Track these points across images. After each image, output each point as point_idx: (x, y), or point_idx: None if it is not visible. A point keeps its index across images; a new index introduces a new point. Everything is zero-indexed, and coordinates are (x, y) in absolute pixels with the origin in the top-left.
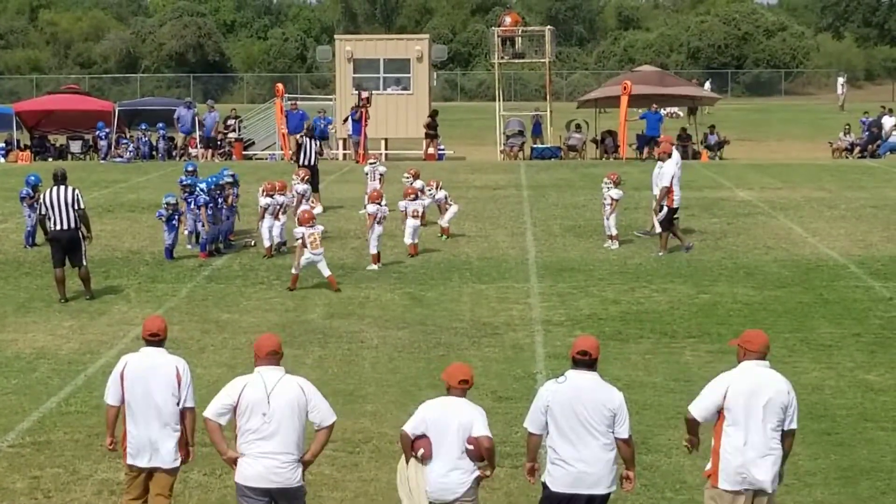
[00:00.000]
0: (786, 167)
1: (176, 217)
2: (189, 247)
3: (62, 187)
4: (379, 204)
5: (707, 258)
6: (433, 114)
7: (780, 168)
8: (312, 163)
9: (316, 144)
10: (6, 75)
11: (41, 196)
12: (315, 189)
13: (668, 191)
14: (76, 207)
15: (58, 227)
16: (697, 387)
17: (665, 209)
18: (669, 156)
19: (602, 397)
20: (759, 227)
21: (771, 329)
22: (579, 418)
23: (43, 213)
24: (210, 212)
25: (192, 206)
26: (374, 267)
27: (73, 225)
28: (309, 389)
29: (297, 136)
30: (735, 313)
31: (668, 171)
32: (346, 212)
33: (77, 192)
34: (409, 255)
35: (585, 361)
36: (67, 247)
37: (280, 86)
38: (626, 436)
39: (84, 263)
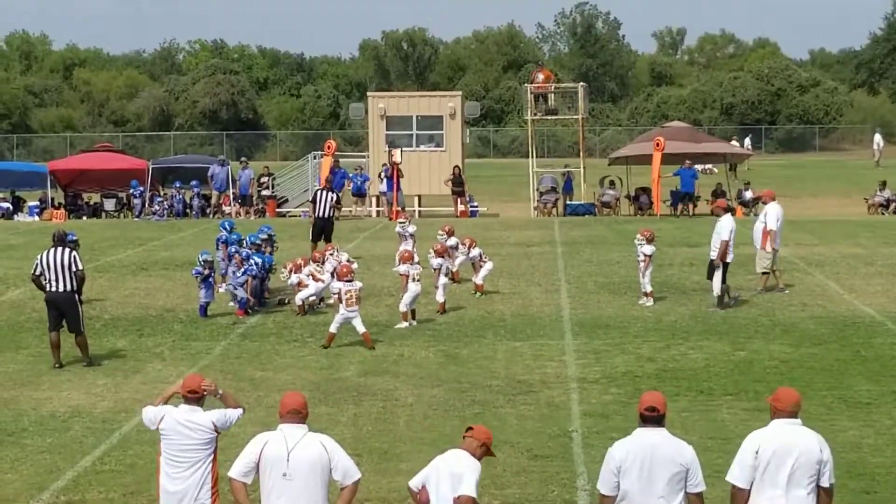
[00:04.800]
0: (821, 223)
1: (212, 275)
2: (231, 304)
3: (59, 249)
4: (410, 264)
5: (743, 315)
6: (456, 170)
7: (816, 224)
8: (328, 215)
9: (332, 197)
10: (40, 133)
11: (38, 259)
12: (328, 239)
13: (727, 245)
14: (73, 269)
15: (53, 290)
16: (734, 445)
17: (719, 265)
18: (725, 211)
19: (674, 453)
20: (796, 283)
21: (808, 387)
22: (652, 477)
23: (38, 273)
24: (254, 270)
25: (234, 264)
26: (404, 325)
27: (69, 287)
28: (331, 447)
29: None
30: (772, 370)
31: (725, 225)
32: (379, 269)
33: (74, 253)
34: (437, 313)
35: (654, 417)
36: (64, 310)
37: (332, 143)
38: (698, 490)
39: (82, 330)
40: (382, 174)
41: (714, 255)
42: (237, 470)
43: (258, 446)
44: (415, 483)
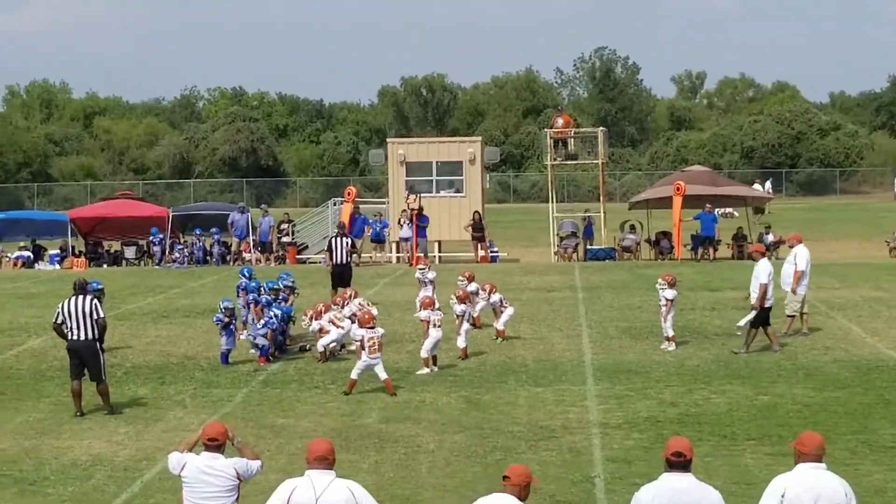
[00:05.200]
0: (843, 266)
1: (233, 322)
2: (252, 351)
3: (81, 297)
4: (431, 310)
5: (765, 359)
6: (476, 215)
7: (838, 268)
8: (345, 261)
9: (347, 242)
10: (61, 182)
11: (59, 307)
12: (346, 285)
13: (765, 288)
14: (95, 317)
15: (75, 338)
16: (758, 490)
17: (756, 308)
18: (762, 255)
19: (700, 498)
20: (818, 327)
21: (832, 431)
22: None
23: (60, 321)
24: (274, 323)
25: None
26: (425, 371)
27: (90, 336)
28: (359, 492)
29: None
30: (795, 415)
31: (763, 269)
32: (400, 315)
33: (96, 301)
34: (458, 359)
35: (681, 463)
36: (85, 358)
37: (352, 189)
38: None
39: (103, 379)
40: (402, 220)
41: (754, 299)
42: None
43: (286, 492)
44: None
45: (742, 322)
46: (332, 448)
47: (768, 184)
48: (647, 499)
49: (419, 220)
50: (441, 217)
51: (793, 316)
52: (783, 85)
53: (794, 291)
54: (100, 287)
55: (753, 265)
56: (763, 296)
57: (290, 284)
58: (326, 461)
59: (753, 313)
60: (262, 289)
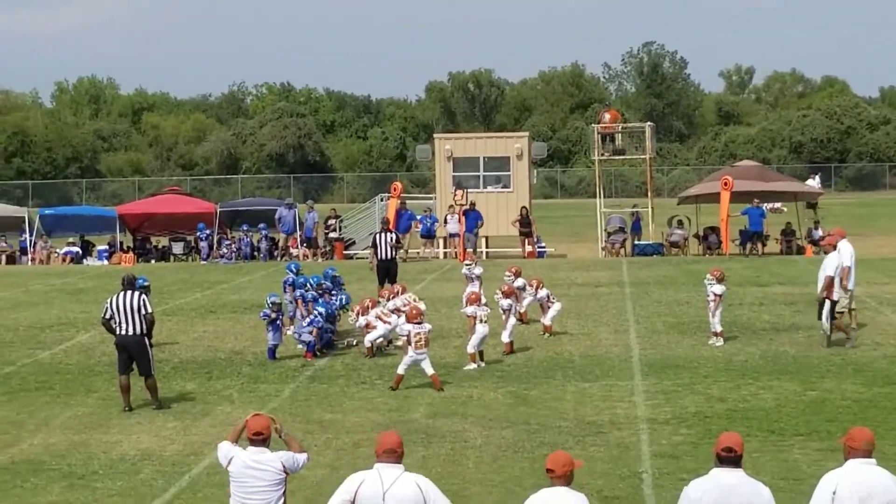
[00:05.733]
0: (892, 262)
1: (280, 318)
2: (300, 346)
3: (129, 292)
4: (478, 305)
5: (814, 354)
6: (523, 211)
7: (888, 263)
8: (390, 256)
9: (391, 238)
10: (109, 178)
11: (108, 302)
12: (392, 281)
13: (831, 281)
14: (143, 312)
15: (123, 333)
16: (807, 485)
17: (827, 301)
18: (834, 248)
19: (750, 494)
20: (867, 322)
21: (882, 426)
22: None
23: (108, 317)
24: (319, 322)
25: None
26: (472, 366)
27: (139, 331)
28: (426, 487)
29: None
30: (844, 410)
31: (831, 261)
32: (447, 311)
33: (144, 297)
34: (504, 354)
35: (731, 458)
36: (134, 353)
37: (398, 184)
38: None
39: (152, 373)
40: (448, 216)
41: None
42: None
43: (354, 485)
44: None
45: (824, 321)
46: (401, 442)
47: (817, 178)
48: (696, 494)
49: (471, 216)
50: (488, 212)
51: (842, 313)
52: (832, 79)
53: (844, 289)
54: (146, 284)
55: (822, 259)
56: (829, 286)
57: (335, 277)
58: (395, 454)
59: (828, 304)
60: (308, 284)
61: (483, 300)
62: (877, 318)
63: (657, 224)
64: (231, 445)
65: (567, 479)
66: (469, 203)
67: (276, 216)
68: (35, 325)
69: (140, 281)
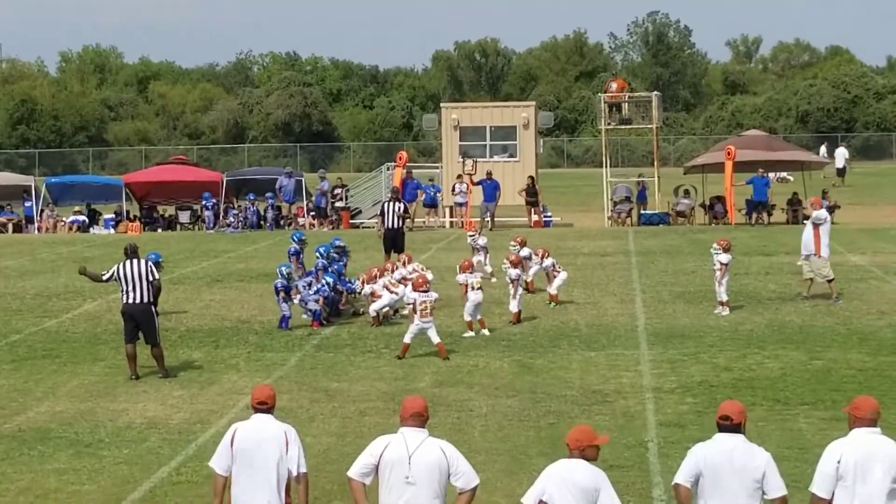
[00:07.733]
0: None
1: (291, 287)
2: (305, 316)
3: (135, 260)
4: (469, 273)
5: (820, 324)
6: (530, 180)
7: (894, 232)
8: (397, 225)
9: (399, 207)
10: (115, 147)
11: (115, 269)
12: (399, 250)
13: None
14: (150, 279)
15: (130, 301)
16: (812, 454)
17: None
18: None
19: (745, 458)
20: (873, 291)
21: (886, 395)
22: (726, 481)
23: (106, 278)
24: (325, 291)
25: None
26: (469, 334)
27: (146, 299)
28: (451, 452)
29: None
30: (849, 379)
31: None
32: (453, 280)
33: (150, 264)
34: (510, 323)
35: (728, 426)
36: (140, 321)
37: (404, 153)
38: (777, 495)
39: (158, 342)
40: (457, 185)
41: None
42: (356, 470)
43: (379, 447)
44: (531, 499)
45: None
46: (426, 406)
47: (823, 148)
48: (699, 454)
49: (489, 186)
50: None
51: (810, 280)
52: (838, 49)
53: (819, 255)
54: (159, 260)
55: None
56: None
57: (342, 247)
58: (421, 418)
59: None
60: (317, 254)
61: (474, 267)
62: (882, 288)
63: (663, 193)
64: (228, 431)
65: (586, 453)
66: (486, 173)
67: (277, 185)
68: (42, 294)
69: (152, 256)
